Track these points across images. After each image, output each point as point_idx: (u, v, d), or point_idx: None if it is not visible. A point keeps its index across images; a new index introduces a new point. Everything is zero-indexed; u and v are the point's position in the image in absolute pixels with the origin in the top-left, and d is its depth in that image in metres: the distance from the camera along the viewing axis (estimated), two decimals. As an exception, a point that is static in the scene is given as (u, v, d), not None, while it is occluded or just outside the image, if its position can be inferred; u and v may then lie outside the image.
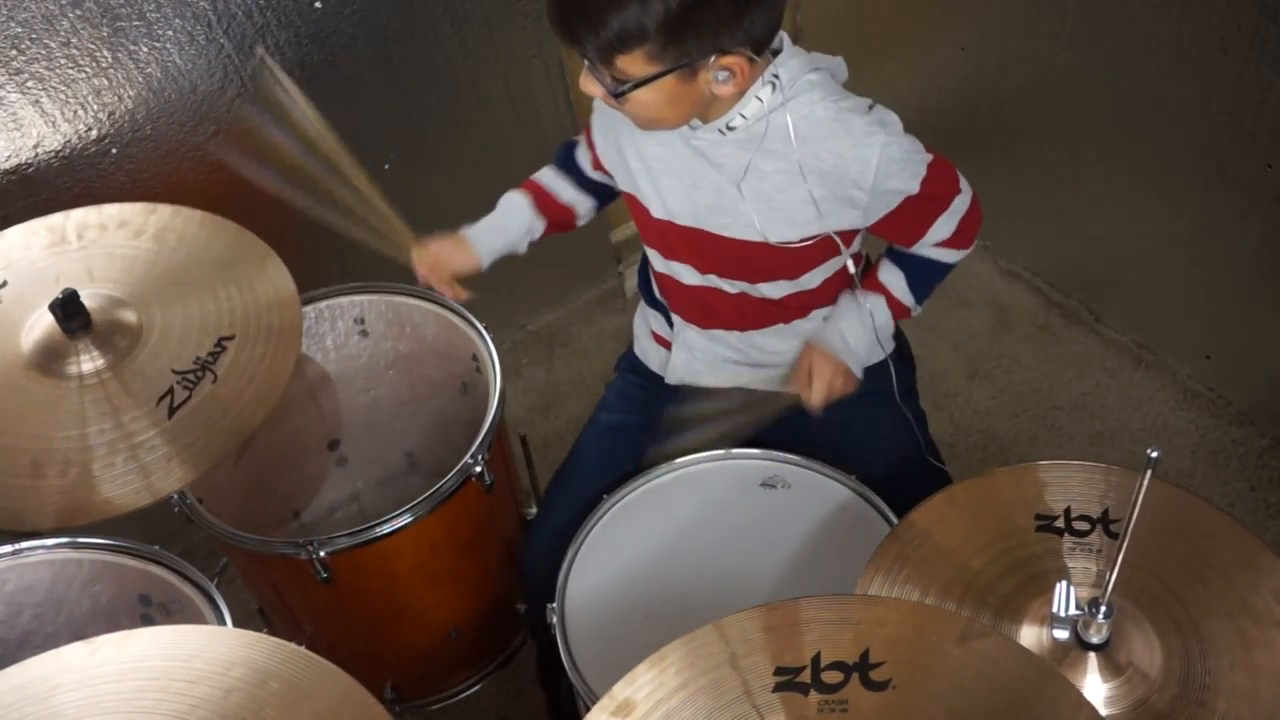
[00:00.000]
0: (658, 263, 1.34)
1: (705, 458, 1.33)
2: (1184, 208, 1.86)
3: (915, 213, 1.22)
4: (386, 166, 1.86)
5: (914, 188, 1.19)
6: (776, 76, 1.14)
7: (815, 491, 1.29)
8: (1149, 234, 1.96)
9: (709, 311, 1.34)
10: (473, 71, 1.86)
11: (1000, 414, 2.03)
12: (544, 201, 1.43)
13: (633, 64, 1.05)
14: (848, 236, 1.25)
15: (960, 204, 1.25)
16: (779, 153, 1.17)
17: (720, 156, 1.19)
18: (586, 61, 1.09)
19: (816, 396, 1.27)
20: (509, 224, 1.42)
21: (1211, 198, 1.80)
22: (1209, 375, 2.00)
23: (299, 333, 1.26)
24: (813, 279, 1.28)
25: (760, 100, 1.14)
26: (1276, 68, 1.58)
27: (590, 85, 1.11)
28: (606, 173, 1.36)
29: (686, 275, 1.31)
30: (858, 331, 1.31)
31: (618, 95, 1.08)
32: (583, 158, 1.41)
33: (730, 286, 1.30)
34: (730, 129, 1.16)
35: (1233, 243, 1.81)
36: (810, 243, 1.22)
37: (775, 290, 1.29)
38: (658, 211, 1.26)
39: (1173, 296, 2.00)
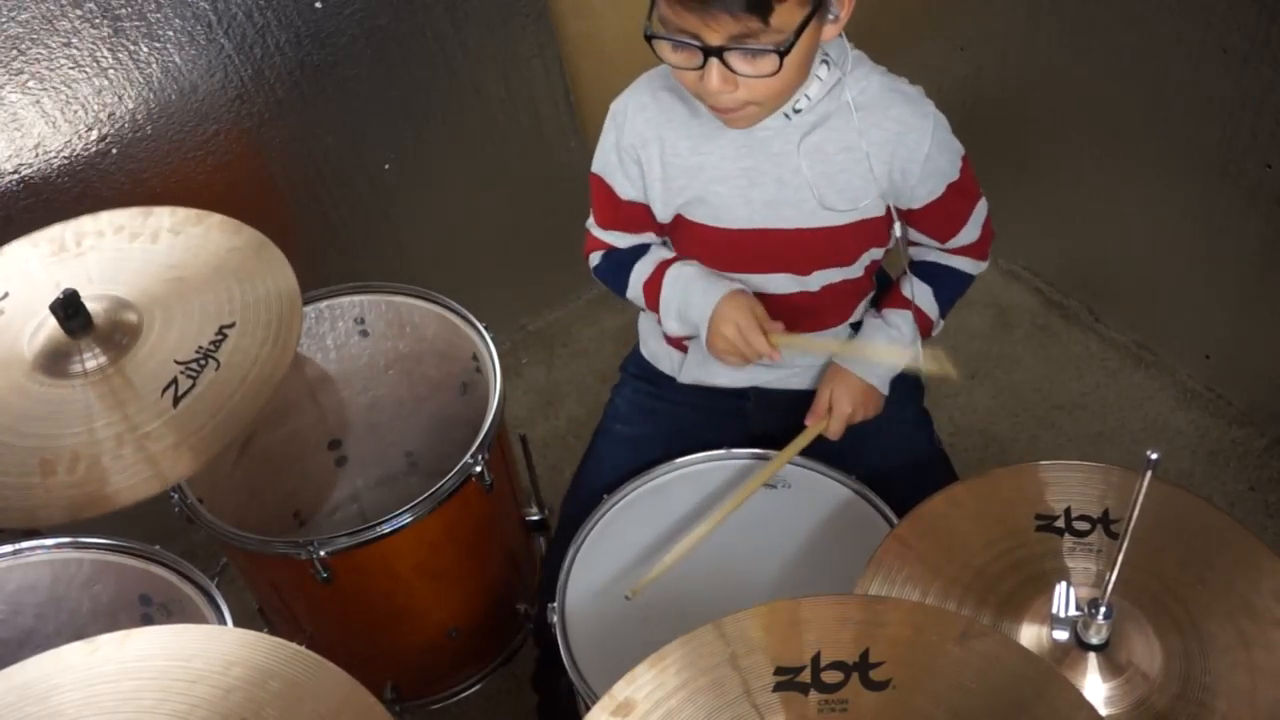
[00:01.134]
0: None
1: (705, 457, 1.33)
2: (1184, 208, 1.86)
3: (954, 204, 1.25)
4: (386, 166, 1.87)
5: (955, 173, 1.23)
6: (827, 54, 1.15)
7: (815, 491, 1.29)
8: (1149, 234, 1.96)
9: None
10: (473, 71, 1.86)
11: (1000, 414, 2.03)
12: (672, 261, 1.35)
13: (788, 11, 1.00)
14: (889, 222, 1.26)
15: (983, 207, 1.29)
16: (840, 128, 1.18)
17: (781, 145, 1.19)
18: (713, 52, 1.02)
19: (835, 429, 1.29)
20: (699, 270, 1.30)
21: (1211, 198, 1.80)
22: (1209, 375, 2.00)
23: (298, 311, 1.27)
24: (860, 265, 1.29)
25: (820, 79, 1.15)
26: (1276, 68, 1.58)
27: (726, 80, 1.05)
28: (639, 222, 1.33)
29: None
30: (887, 349, 1.31)
31: (785, 54, 1.02)
32: (623, 239, 1.35)
33: (776, 286, 1.29)
34: (796, 111, 1.17)
35: (1233, 243, 1.81)
36: (866, 218, 1.23)
37: (825, 279, 1.29)
38: (709, 220, 1.26)
39: (1173, 296, 2.00)
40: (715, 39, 1.02)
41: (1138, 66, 1.79)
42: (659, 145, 1.23)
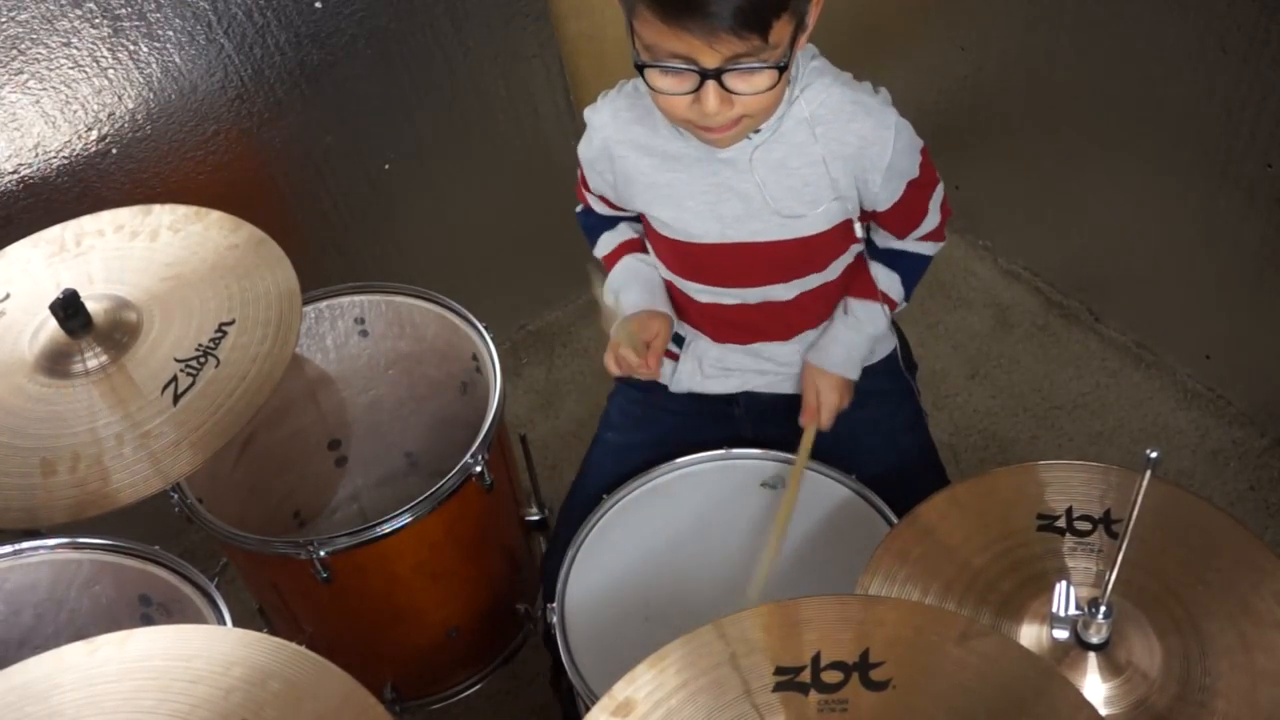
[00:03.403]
0: (666, 276, 1.34)
1: (705, 458, 1.33)
2: (1184, 208, 1.86)
3: (915, 199, 1.24)
4: (386, 166, 1.87)
5: (915, 171, 1.22)
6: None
7: (815, 491, 1.29)
8: (1149, 234, 1.96)
9: (724, 326, 1.34)
10: (473, 71, 1.86)
11: (1000, 414, 2.03)
12: (637, 245, 1.38)
13: (783, 26, 1.00)
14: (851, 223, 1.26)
15: (939, 190, 1.29)
16: (801, 142, 1.16)
17: (745, 163, 1.18)
18: (710, 74, 1.01)
19: (826, 421, 1.30)
20: (647, 275, 1.36)
21: (1211, 198, 1.80)
22: (1209, 375, 2.00)
23: (298, 307, 1.27)
24: (835, 269, 1.29)
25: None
26: (1276, 68, 1.58)
27: (723, 101, 1.03)
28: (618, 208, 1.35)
29: (702, 294, 1.31)
30: (856, 342, 1.32)
31: (785, 69, 1.02)
32: (601, 208, 1.38)
33: (756, 296, 1.29)
34: (756, 131, 1.16)
35: (1233, 243, 1.81)
36: (833, 226, 1.23)
37: (801, 287, 1.29)
38: (679, 235, 1.26)
39: (1173, 296, 2.00)
40: (713, 61, 1.00)
41: (1138, 66, 1.79)
42: (624, 163, 1.24)
